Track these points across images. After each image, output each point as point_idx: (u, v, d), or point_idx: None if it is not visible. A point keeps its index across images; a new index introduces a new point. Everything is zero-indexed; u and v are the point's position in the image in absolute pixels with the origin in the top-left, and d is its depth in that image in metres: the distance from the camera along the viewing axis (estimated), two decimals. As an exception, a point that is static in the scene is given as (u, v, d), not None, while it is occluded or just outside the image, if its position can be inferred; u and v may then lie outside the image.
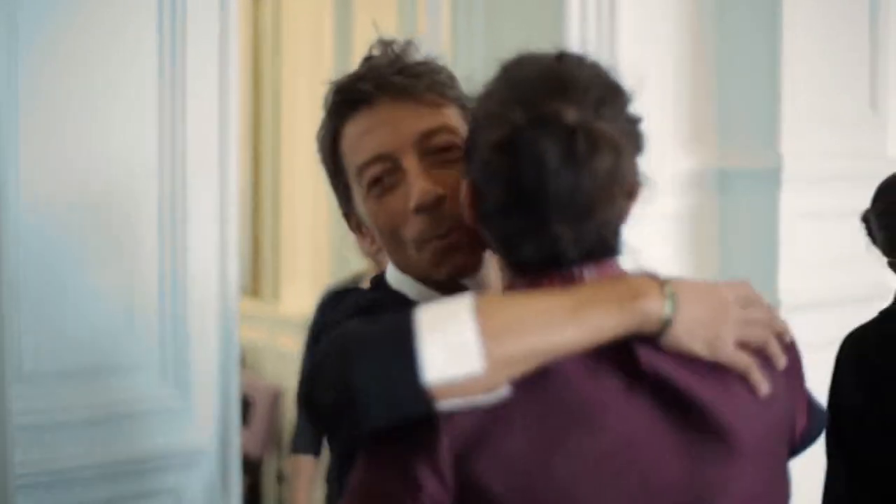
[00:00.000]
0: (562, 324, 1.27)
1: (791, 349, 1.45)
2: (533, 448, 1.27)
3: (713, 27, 3.86)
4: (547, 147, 1.29)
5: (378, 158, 1.58)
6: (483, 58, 3.96)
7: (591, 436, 1.29)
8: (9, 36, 2.57)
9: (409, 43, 1.66)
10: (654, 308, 1.31)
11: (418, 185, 1.54)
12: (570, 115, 1.30)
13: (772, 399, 1.38)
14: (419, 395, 1.25)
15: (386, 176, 1.58)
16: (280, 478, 5.59)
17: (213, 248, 2.88)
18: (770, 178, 3.73)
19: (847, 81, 3.95)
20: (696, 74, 3.80)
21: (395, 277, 1.68)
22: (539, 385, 1.28)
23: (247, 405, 5.33)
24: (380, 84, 1.60)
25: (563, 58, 1.38)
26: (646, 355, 1.32)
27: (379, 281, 1.73)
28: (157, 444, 2.84)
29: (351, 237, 1.82)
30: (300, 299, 5.85)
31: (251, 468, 5.34)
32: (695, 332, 1.33)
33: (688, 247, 3.77)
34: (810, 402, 1.50)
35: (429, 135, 1.58)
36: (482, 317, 1.26)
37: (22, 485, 2.57)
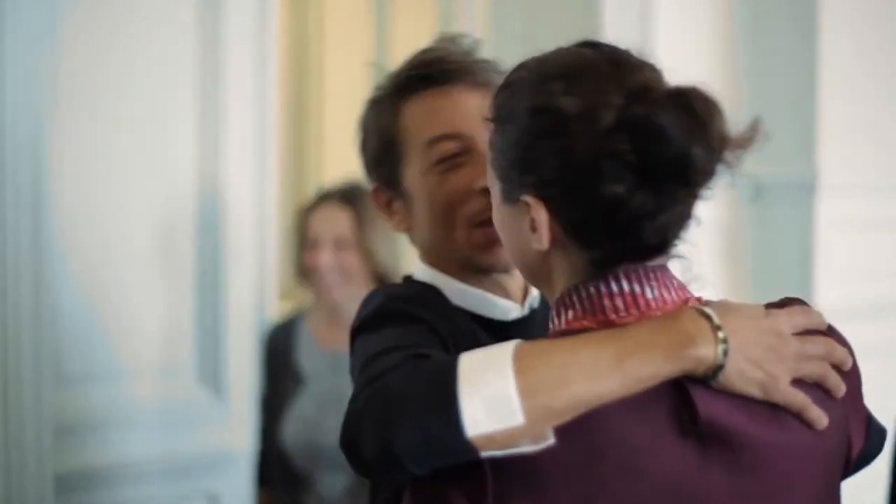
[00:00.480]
0: (607, 375, 1.24)
1: (851, 372, 1.40)
2: (572, 493, 1.25)
3: (749, 34, 3.85)
4: (666, 117, 1.25)
5: (453, 136, 1.64)
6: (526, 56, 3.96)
7: (636, 481, 1.26)
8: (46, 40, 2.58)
9: (476, 41, 1.73)
10: (707, 354, 1.27)
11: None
12: (663, 82, 1.30)
13: (830, 429, 1.34)
14: (462, 449, 1.25)
15: (457, 154, 1.63)
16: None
17: (251, 251, 2.90)
18: (806, 188, 3.72)
19: (885, 91, 3.93)
20: (730, 82, 3.79)
21: (425, 272, 1.71)
22: (584, 427, 1.25)
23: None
24: (458, 68, 1.66)
25: (590, 44, 1.36)
26: (701, 399, 1.28)
27: (411, 280, 1.75)
28: (194, 447, 2.85)
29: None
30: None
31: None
32: (748, 373, 1.29)
33: (721, 256, 3.77)
34: (869, 423, 1.45)
35: None
36: (523, 369, 1.24)
37: (59, 487, 2.58)
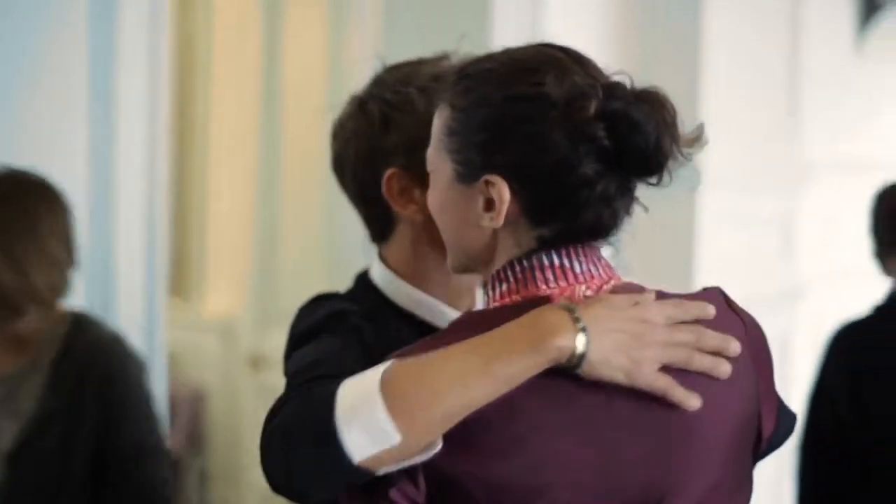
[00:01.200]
0: (477, 380, 1.31)
1: (761, 358, 1.50)
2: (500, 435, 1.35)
3: (635, 36, 3.94)
4: (639, 112, 1.38)
5: None
6: (418, 56, 3.99)
7: (554, 412, 1.36)
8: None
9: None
10: (568, 344, 1.33)
11: None
12: (626, 83, 1.43)
13: (738, 399, 1.45)
14: (356, 474, 1.33)
15: None
16: (202, 478, 5.59)
17: (139, 247, 2.90)
18: (687, 183, 3.81)
19: (763, 89, 4.05)
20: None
21: (385, 278, 1.78)
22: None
23: (169, 405, 5.32)
24: None
25: (549, 45, 1.48)
26: None
27: (364, 281, 1.82)
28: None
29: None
30: (223, 300, 5.85)
31: (173, 468, 5.33)
32: (612, 361, 1.36)
33: (605, 249, 3.84)
34: (780, 407, 1.53)
35: None
36: (391, 392, 1.31)
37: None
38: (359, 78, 4.02)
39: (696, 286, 3.58)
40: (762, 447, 1.51)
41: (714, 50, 3.87)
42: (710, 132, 3.77)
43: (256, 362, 4.63)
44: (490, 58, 1.48)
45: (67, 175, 2.77)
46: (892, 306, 2.87)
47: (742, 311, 1.52)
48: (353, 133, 1.79)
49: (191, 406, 5.33)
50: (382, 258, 1.82)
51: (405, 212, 1.75)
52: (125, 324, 2.88)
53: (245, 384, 5.08)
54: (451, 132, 1.47)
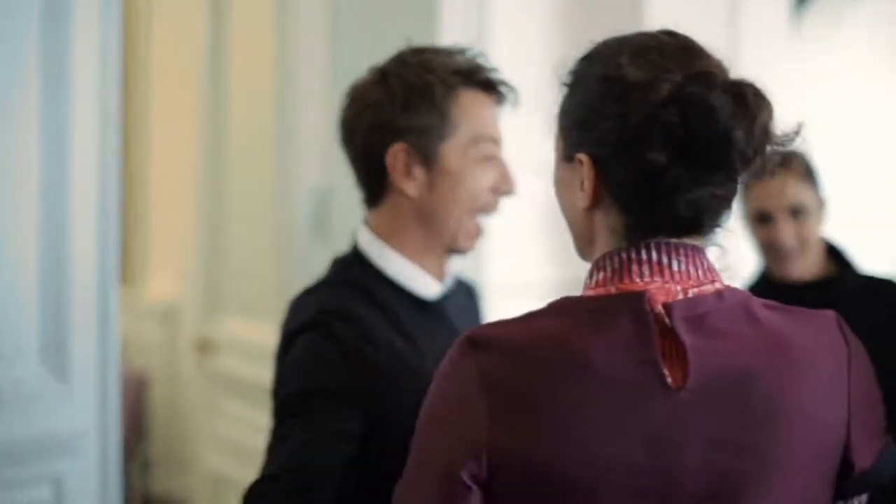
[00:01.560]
0: None
1: (859, 384, 1.46)
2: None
3: (581, 29, 4.00)
4: (718, 100, 1.36)
5: (496, 141, 1.98)
6: (364, 54, 4.01)
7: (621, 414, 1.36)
8: None
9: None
10: None
11: (511, 174, 1.98)
12: (724, 73, 1.42)
13: (822, 421, 1.44)
14: None
15: (493, 156, 1.96)
16: (145, 465, 5.59)
17: (94, 237, 2.90)
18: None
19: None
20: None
21: (373, 244, 1.96)
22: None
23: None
24: (500, 86, 1.98)
25: (669, 33, 1.49)
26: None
27: (350, 256, 1.99)
28: (36, 431, 2.84)
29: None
30: (166, 285, 5.85)
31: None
32: None
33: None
34: (886, 443, 1.51)
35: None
36: None
37: None
38: (305, 64, 4.06)
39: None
40: (853, 477, 1.45)
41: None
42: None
43: (203, 347, 4.64)
44: (606, 42, 1.51)
45: (21, 165, 2.78)
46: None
47: (852, 337, 1.47)
48: (373, 103, 1.94)
49: (134, 392, 5.33)
50: (368, 223, 1.99)
51: (403, 185, 1.93)
52: (79, 311, 2.88)
53: (189, 369, 5.09)
54: (561, 110, 1.52)
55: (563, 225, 1.57)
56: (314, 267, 4.28)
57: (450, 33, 3.54)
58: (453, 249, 1.99)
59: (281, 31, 4.14)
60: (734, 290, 1.44)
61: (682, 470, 1.34)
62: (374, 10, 3.95)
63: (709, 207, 1.42)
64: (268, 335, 4.38)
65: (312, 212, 4.03)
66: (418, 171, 1.92)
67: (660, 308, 1.38)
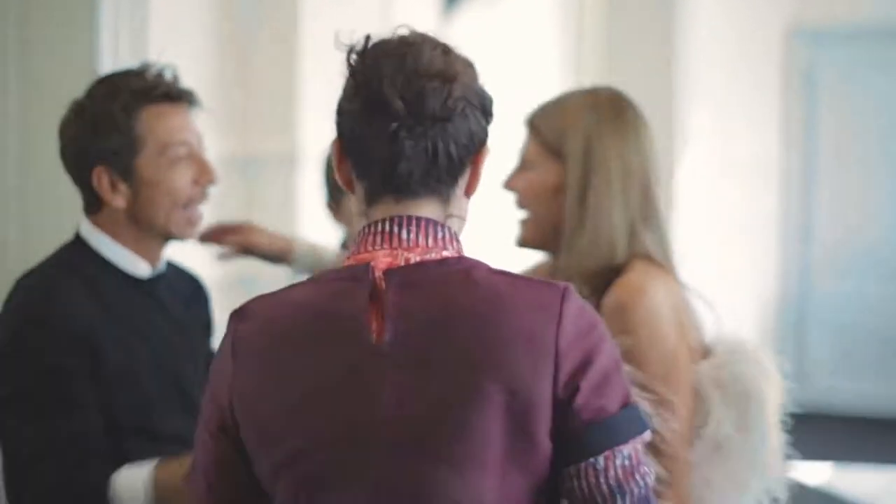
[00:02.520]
0: None
1: (591, 346, 1.51)
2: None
3: (238, 25, 4.09)
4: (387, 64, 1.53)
5: (186, 142, 2.29)
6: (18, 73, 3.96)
7: None
8: None
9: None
10: None
11: (209, 166, 2.29)
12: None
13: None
14: None
15: (184, 157, 2.29)
16: None
17: None
18: (288, 162, 4.05)
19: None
20: (225, 68, 4.01)
21: (91, 232, 2.25)
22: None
23: None
24: (180, 94, 2.31)
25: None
26: None
27: (75, 243, 2.28)
28: None
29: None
30: None
31: None
32: None
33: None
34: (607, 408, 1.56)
35: None
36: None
37: None
38: None
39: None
40: (576, 434, 1.47)
41: (310, 35, 4.10)
42: (306, 103, 3.97)
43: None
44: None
45: None
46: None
47: (573, 303, 1.50)
48: (72, 136, 2.23)
49: None
50: (89, 218, 2.27)
51: (111, 200, 2.23)
52: None
53: None
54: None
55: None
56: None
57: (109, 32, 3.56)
58: (171, 238, 2.28)
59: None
60: (465, 259, 1.54)
61: (377, 418, 1.46)
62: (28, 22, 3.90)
63: (406, 168, 1.52)
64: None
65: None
66: (121, 186, 2.21)
67: (380, 273, 1.50)
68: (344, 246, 3.12)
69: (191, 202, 2.26)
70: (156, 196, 2.22)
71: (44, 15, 3.84)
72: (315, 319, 1.50)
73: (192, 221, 2.29)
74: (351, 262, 1.54)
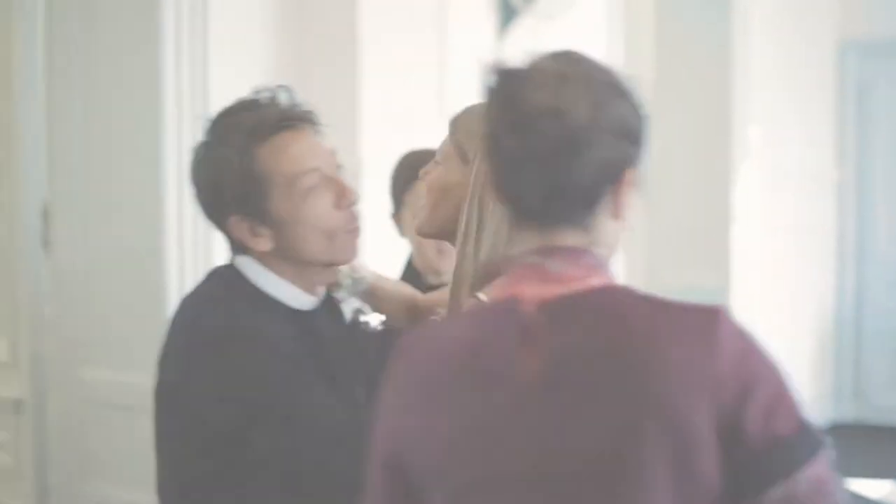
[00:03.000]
0: None
1: (752, 374, 1.44)
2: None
3: (299, 35, 4.15)
4: None
5: (315, 168, 2.08)
6: (82, 62, 4.03)
7: None
8: None
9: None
10: None
11: (346, 186, 2.09)
12: None
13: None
14: None
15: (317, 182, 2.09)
16: None
17: None
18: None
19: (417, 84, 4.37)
20: (284, 75, 4.07)
21: (251, 267, 2.09)
22: None
23: None
24: (297, 118, 2.12)
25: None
26: None
27: (232, 274, 2.10)
28: None
29: None
30: None
31: None
32: None
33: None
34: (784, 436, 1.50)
35: None
36: None
37: None
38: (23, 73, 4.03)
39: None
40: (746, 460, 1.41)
41: (369, 54, 4.15)
42: (368, 123, 4.05)
43: None
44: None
45: None
46: None
47: (729, 330, 1.44)
48: (199, 188, 2.08)
49: None
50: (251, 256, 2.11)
51: (254, 245, 2.07)
52: None
53: None
54: None
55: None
56: (42, 278, 4.29)
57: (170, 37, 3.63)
58: (332, 265, 2.13)
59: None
60: (613, 287, 1.49)
61: (534, 458, 1.43)
62: (92, 22, 3.98)
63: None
64: (1, 349, 4.35)
65: (35, 224, 4.03)
66: (261, 230, 2.05)
67: (530, 308, 1.47)
68: (409, 262, 3.16)
69: (339, 226, 2.08)
70: (300, 232, 2.05)
71: (107, 21, 3.92)
72: (471, 356, 1.48)
73: (345, 247, 2.10)
74: (500, 294, 1.54)
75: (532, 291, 1.48)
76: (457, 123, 2.08)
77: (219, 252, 3.65)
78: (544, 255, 1.50)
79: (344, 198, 2.07)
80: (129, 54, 3.90)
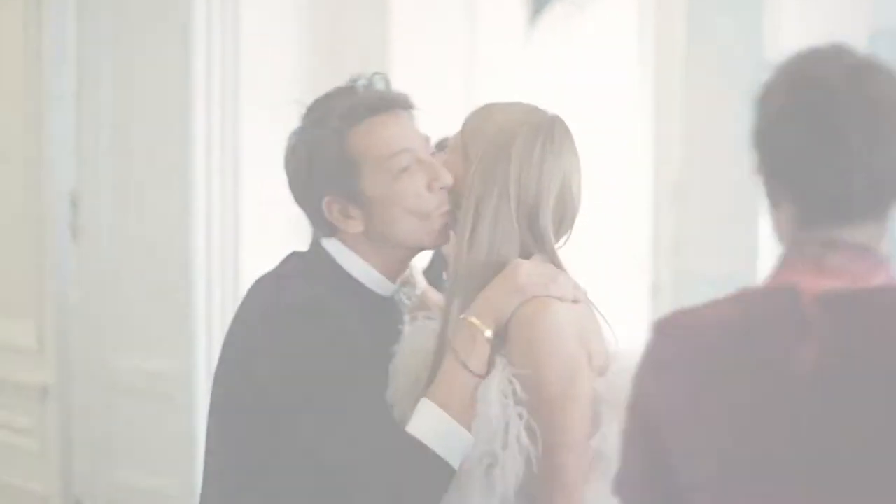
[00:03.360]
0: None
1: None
2: None
3: (331, 28, 4.15)
4: None
5: (407, 149, 2.08)
6: (112, 55, 4.05)
7: None
8: None
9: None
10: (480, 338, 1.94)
11: (438, 168, 2.08)
12: None
13: None
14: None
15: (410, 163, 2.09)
16: None
17: None
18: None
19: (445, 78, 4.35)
20: (318, 72, 4.07)
21: (340, 250, 2.10)
22: None
23: None
24: (390, 100, 2.10)
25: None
26: None
27: (318, 256, 2.11)
28: None
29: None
30: None
31: None
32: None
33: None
34: None
35: None
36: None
37: None
38: (53, 64, 4.05)
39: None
40: None
41: (400, 43, 4.13)
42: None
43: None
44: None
45: None
46: None
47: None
48: (292, 171, 2.10)
49: None
50: (339, 240, 2.13)
51: (346, 227, 2.08)
52: None
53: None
54: None
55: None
56: (70, 265, 4.32)
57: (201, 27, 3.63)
58: (421, 247, 2.14)
59: (29, 30, 4.13)
60: (893, 286, 1.47)
61: (796, 450, 1.42)
62: (122, 11, 3.99)
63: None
64: (28, 334, 4.39)
65: (65, 212, 4.04)
66: (354, 211, 2.06)
67: (809, 300, 1.44)
68: (435, 256, 3.16)
69: (431, 209, 2.07)
70: (390, 213, 2.06)
71: (137, 10, 3.92)
72: (739, 341, 1.47)
73: (436, 229, 2.09)
74: (773, 283, 1.50)
75: (810, 283, 1.45)
76: (468, 120, 2.07)
77: (246, 240, 3.66)
78: (826, 247, 1.47)
79: (437, 180, 2.06)
80: (158, 44, 3.91)
